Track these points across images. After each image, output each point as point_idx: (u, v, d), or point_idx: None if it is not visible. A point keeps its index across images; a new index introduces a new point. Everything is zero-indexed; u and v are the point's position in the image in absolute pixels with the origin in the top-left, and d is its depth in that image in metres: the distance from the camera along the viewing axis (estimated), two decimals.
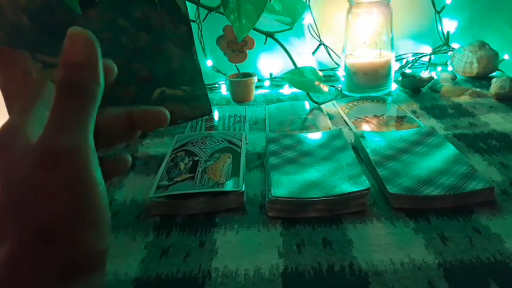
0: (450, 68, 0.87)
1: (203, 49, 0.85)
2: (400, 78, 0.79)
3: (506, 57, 0.84)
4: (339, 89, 0.78)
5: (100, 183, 0.23)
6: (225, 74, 0.84)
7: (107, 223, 0.24)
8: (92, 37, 0.22)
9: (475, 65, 0.79)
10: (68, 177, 0.22)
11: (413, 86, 0.77)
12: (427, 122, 0.62)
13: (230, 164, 0.48)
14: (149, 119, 0.29)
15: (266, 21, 0.67)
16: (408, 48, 0.92)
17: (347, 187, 0.41)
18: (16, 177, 0.22)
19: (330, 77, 0.88)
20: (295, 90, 0.81)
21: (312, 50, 0.89)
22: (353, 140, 0.56)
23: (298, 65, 0.71)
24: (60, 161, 0.22)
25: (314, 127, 0.62)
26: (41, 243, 0.21)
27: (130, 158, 0.31)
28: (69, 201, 0.22)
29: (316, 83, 0.68)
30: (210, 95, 0.72)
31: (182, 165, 0.48)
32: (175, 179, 0.45)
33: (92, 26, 0.57)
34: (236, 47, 0.73)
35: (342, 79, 0.79)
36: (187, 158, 0.50)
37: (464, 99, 0.71)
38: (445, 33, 0.89)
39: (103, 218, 0.23)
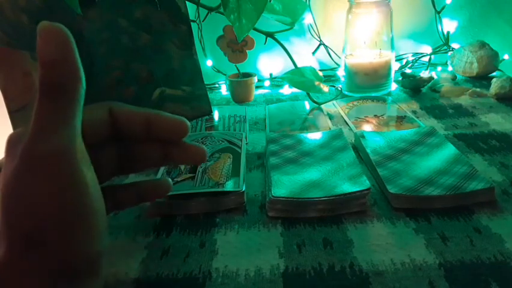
0: (450, 68, 0.86)
1: (203, 49, 0.85)
2: (400, 78, 0.79)
3: (506, 57, 0.84)
4: (339, 89, 0.78)
5: (92, 184, 0.22)
6: (225, 74, 0.84)
7: (101, 225, 0.23)
8: (64, 30, 0.21)
9: (475, 65, 0.79)
10: (54, 182, 0.21)
11: (413, 86, 0.77)
12: (427, 122, 0.62)
13: (230, 164, 0.48)
14: (170, 128, 0.28)
15: (266, 21, 0.67)
16: (408, 48, 0.92)
17: (348, 187, 0.41)
18: (4, 183, 0.21)
19: (330, 77, 0.88)
20: (295, 90, 0.81)
21: (312, 50, 0.89)
22: (353, 140, 0.56)
23: (298, 65, 0.71)
24: (44, 165, 0.21)
25: (314, 127, 0.62)
26: (29, 248, 0.21)
27: (171, 183, 0.31)
28: (56, 206, 0.21)
29: (317, 83, 0.68)
30: (210, 95, 0.72)
31: (182, 165, 0.48)
32: (175, 179, 0.45)
33: (92, 26, 0.57)
34: (236, 47, 0.73)
35: (342, 79, 0.79)
36: None
37: (464, 99, 0.71)
38: (445, 33, 0.89)
39: (95, 220, 0.22)
